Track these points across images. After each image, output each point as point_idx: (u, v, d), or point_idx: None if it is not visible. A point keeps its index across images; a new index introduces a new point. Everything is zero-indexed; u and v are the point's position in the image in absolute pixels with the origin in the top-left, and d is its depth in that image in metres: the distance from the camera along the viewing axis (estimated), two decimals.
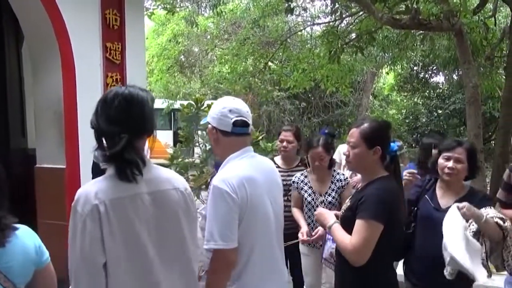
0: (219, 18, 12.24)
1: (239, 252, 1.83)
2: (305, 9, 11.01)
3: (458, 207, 2.16)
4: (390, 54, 11.03)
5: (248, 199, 1.84)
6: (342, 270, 2.11)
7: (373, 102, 18.02)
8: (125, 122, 1.52)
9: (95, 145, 2.16)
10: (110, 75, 4.13)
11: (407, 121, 17.27)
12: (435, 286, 2.30)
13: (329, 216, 2.16)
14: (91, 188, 1.51)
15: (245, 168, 1.90)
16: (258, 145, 4.95)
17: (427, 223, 2.35)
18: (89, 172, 2.84)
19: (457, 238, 2.12)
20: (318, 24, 11.10)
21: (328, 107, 15.87)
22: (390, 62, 12.21)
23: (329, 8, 8.64)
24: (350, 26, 8.94)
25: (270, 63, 11.33)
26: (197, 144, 5.18)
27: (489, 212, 2.26)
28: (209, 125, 1.99)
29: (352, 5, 7.45)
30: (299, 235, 3.08)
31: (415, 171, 2.57)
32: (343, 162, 4.38)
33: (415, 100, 17.43)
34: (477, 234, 2.23)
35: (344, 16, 8.18)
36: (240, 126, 1.92)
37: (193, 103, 5.03)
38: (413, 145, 15.29)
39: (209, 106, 4.61)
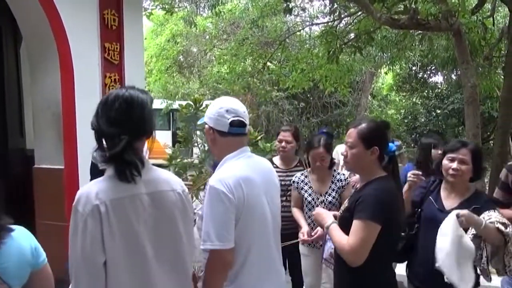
0: (218, 18, 12.24)
1: (236, 253, 1.83)
2: (303, 9, 11.03)
3: (457, 215, 2.14)
4: (389, 54, 11.04)
5: (245, 199, 1.83)
6: (340, 270, 2.11)
7: (372, 102, 18.03)
8: (125, 124, 1.55)
9: (95, 146, 2.16)
10: (108, 76, 4.12)
11: (405, 121, 17.29)
12: None
13: (327, 216, 2.16)
14: (91, 189, 1.54)
15: (241, 168, 1.90)
16: (257, 145, 4.95)
17: (431, 224, 2.33)
18: (87, 173, 2.84)
19: (447, 246, 2.11)
20: (317, 24, 11.11)
21: (327, 107, 15.87)
22: (388, 62, 12.22)
23: (327, 8, 8.65)
24: (349, 26, 8.94)
25: (268, 63, 11.33)
26: (195, 144, 5.18)
27: (492, 216, 2.23)
28: (206, 125, 1.99)
29: (351, 5, 7.46)
30: (300, 235, 3.07)
31: (419, 172, 2.53)
32: (341, 162, 4.39)
33: (414, 100, 17.45)
34: (477, 237, 2.23)
35: (342, 16, 8.19)
36: (237, 126, 1.92)
37: (191, 103, 5.02)
38: (412, 145, 15.31)
39: (207, 106, 4.61)
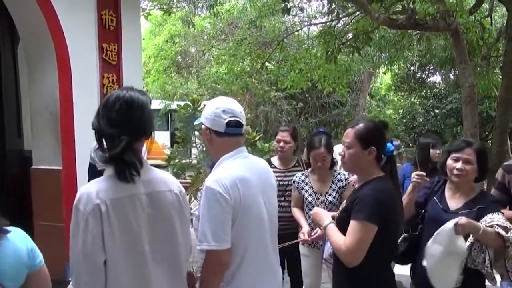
0: (216, 19, 12.24)
1: (232, 253, 1.83)
2: (302, 9, 11.02)
3: (455, 224, 2.13)
4: (387, 54, 11.05)
5: (241, 200, 1.83)
6: (339, 271, 2.10)
7: (370, 102, 18.06)
8: (125, 125, 1.58)
9: (93, 146, 2.16)
10: (106, 76, 4.12)
11: (404, 121, 17.31)
12: None
13: (325, 216, 2.16)
14: (92, 188, 1.57)
15: (238, 168, 1.90)
16: (255, 146, 4.94)
17: (435, 225, 2.28)
18: (85, 174, 2.84)
19: (438, 254, 2.12)
20: (315, 24, 11.12)
21: (325, 107, 15.88)
22: (387, 62, 12.23)
23: (325, 8, 8.65)
24: (347, 26, 8.95)
25: (267, 64, 11.33)
26: (194, 145, 5.16)
27: (494, 219, 2.21)
28: (203, 126, 1.98)
29: (349, 5, 7.45)
30: (300, 235, 3.07)
31: (423, 173, 2.49)
32: (339, 162, 4.39)
33: (412, 100, 17.47)
34: (479, 240, 2.22)
35: (340, 16, 8.19)
36: (234, 126, 1.91)
37: (190, 103, 5.01)
38: (410, 144, 15.33)
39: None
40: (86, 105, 3.85)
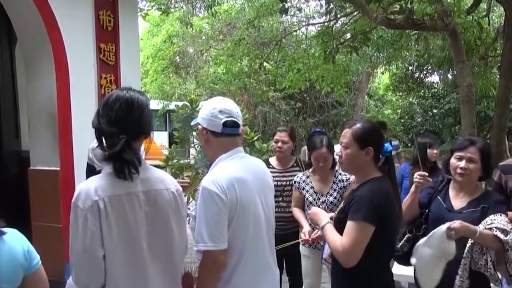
0: (214, 19, 12.24)
1: (229, 253, 1.83)
2: (299, 10, 11.01)
3: (448, 228, 2.11)
4: (385, 54, 11.07)
5: (238, 200, 1.83)
6: (337, 271, 2.10)
7: (368, 102, 18.08)
8: (124, 124, 1.61)
9: (91, 147, 2.16)
10: (104, 76, 4.11)
11: (402, 120, 17.35)
12: None
13: (323, 216, 2.15)
14: (90, 185, 1.60)
15: (234, 169, 1.90)
16: (253, 146, 4.94)
17: (438, 224, 2.24)
18: (83, 174, 2.83)
19: (427, 258, 2.11)
20: (313, 24, 11.12)
21: (323, 107, 15.90)
22: (385, 62, 12.26)
23: (323, 8, 8.65)
24: (345, 26, 8.95)
25: (265, 64, 11.34)
26: (192, 145, 5.16)
27: (494, 221, 2.18)
28: (199, 126, 1.98)
29: (347, 5, 7.46)
30: (301, 234, 3.06)
31: (426, 173, 2.45)
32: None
33: (410, 99, 17.51)
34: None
35: (338, 16, 8.20)
36: (230, 126, 1.91)
37: (188, 104, 5.01)
38: (409, 144, 15.36)
39: None
40: (83, 106, 3.84)
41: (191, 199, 4.24)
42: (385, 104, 19.06)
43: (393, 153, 2.20)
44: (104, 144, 1.63)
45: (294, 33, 11.63)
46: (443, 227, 2.13)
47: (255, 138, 5.03)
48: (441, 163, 3.50)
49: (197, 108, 4.96)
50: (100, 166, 1.75)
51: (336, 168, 3.38)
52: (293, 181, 3.42)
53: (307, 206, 3.29)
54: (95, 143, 1.84)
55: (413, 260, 2.21)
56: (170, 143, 10.60)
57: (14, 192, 4.11)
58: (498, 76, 7.47)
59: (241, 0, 12.61)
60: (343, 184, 3.26)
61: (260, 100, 13.82)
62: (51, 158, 3.81)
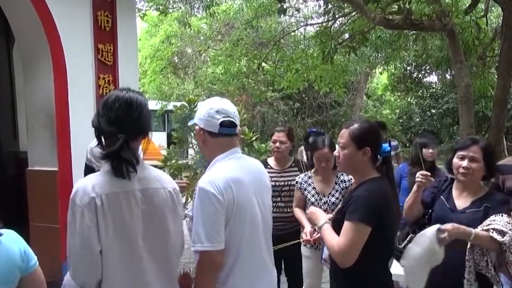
0: (212, 19, 12.25)
1: (226, 254, 1.83)
2: (298, 10, 11.03)
3: (439, 229, 2.09)
4: (383, 54, 11.09)
5: (235, 201, 1.83)
6: (335, 271, 2.10)
7: (367, 102, 18.10)
8: (123, 124, 1.64)
9: (89, 147, 2.17)
10: (102, 77, 4.10)
11: (400, 121, 17.38)
12: None
13: (321, 216, 2.15)
14: (88, 182, 1.63)
15: (231, 169, 1.90)
16: (252, 146, 4.94)
17: (442, 224, 2.20)
18: (81, 175, 2.81)
19: (416, 259, 2.09)
20: (311, 24, 11.13)
21: (322, 108, 15.92)
22: (383, 62, 12.28)
23: (322, 8, 8.66)
24: (343, 27, 8.96)
25: (263, 64, 11.34)
26: (190, 145, 5.16)
27: (494, 222, 2.15)
28: (196, 126, 1.98)
29: (345, 5, 7.47)
30: (302, 235, 3.06)
31: (428, 173, 2.41)
32: None
33: (409, 100, 17.55)
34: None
35: (337, 16, 8.20)
36: (227, 126, 1.91)
37: (186, 104, 5.00)
38: (407, 144, 15.38)
39: None
40: (81, 106, 3.84)
41: (189, 199, 4.23)
42: (383, 104, 19.08)
43: (392, 153, 2.19)
44: (103, 143, 1.66)
45: (293, 34, 11.65)
46: (435, 227, 2.11)
47: (254, 138, 5.03)
48: (443, 163, 3.50)
49: (195, 109, 4.95)
50: (99, 166, 1.76)
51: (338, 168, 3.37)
52: (291, 182, 3.42)
53: (309, 206, 3.28)
54: (93, 143, 1.85)
55: (402, 262, 2.19)
56: (169, 144, 10.60)
57: (12, 192, 4.10)
58: (496, 76, 7.48)
59: (239, 0, 12.61)
60: (345, 184, 3.24)
61: (259, 100, 13.83)
62: (49, 159, 3.81)
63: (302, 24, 11.45)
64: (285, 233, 3.30)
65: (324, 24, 8.85)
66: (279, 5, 6.65)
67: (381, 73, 17.42)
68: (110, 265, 1.61)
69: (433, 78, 16.82)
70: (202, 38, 14.56)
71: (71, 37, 3.85)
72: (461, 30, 7.58)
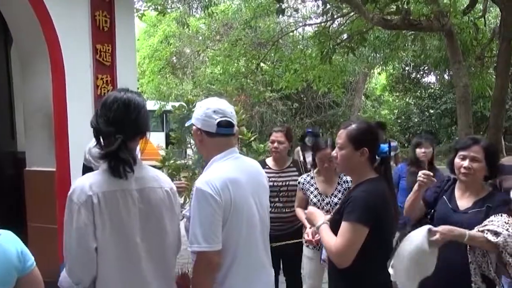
0: (211, 19, 12.24)
1: (223, 254, 1.83)
2: (296, 10, 11.03)
3: (429, 230, 2.08)
4: (382, 54, 11.11)
5: (232, 201, 1.83)
6: (334, 271, 2.10)
7: (365, 103, 18.11)
8: (121, 125, 1.66)
9: (88, 148, 2.17)
10: (100, 77, 4.09)
11: (399, 121, 17.40)
12: None
13: (319, 216, 2.15)
14: (86, 181, 1.66)
15: (229, 169, 1.89)
16: (250, 146, 4.94)
17: (444, 225, 2.19)
18: (79, 175, 2.81)
19: (406, 258, 2.07)
20: (310, 25, 11.14)
21: (320, 108, 15.93)
22: (381, 63, 12.30)
23: (320, 9, 8.66)
24: (342, 27, 8.97)
25: (262, 64, 11.33)
26: (189, 145, 5.15)
27: (490, 222, 2.14)
28: (194, 127, 1.98)
29: (343, 6, 7.48)
30: (304, 235, 3.06)
31: (430, 173, 2.40)
32: None
33: (407, 100, 17.57)
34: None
35: (335, 16, 8.21)
36: (225, 126, 1.90)
37: (185, 104, 5.00)
38: (406, 145, 15.39)
39: None
40: (80, 106, 3.83)
41: (187, 199, 4.23)
42: (382, 104, 19.10)
43: (392, 154, 2.19)
44: (102, 143, 1.68)
45: (291, 34, 11.65)
46: (426, 227, 2.10)
47: (252, 138, 5.03)
48: (441, 163, 3.50)
49: (194, 109, 4.95)
50: (98, 166, 1.77)
51: None
52: (289, 182, 3.42)
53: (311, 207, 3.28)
54: (91, 143, 1.85)
55: (391, 261, 2.16)
56: (167, 144, 10.58)
57: (10, 193, 4.09)
58: (494, 77, 7.50)
59: (237, 0, 12.61)
60: (348, 185, 3.24)
61: (257, 100, 13.84)
62: (47, 159, 3.80)
63: (300, 24, 11.46)
64: (283, 233, 3.30)
65: (322, 24, 8.85)
66: (278, 5, 6.65)
67: (379, 74, 17.45)
68: (106, 263, 1.63)
69: (431, 78, 16.86)
70: (200, 38, 14.54)
71: (69, 37, 3.85)
72: (459, 30, 7.59)
